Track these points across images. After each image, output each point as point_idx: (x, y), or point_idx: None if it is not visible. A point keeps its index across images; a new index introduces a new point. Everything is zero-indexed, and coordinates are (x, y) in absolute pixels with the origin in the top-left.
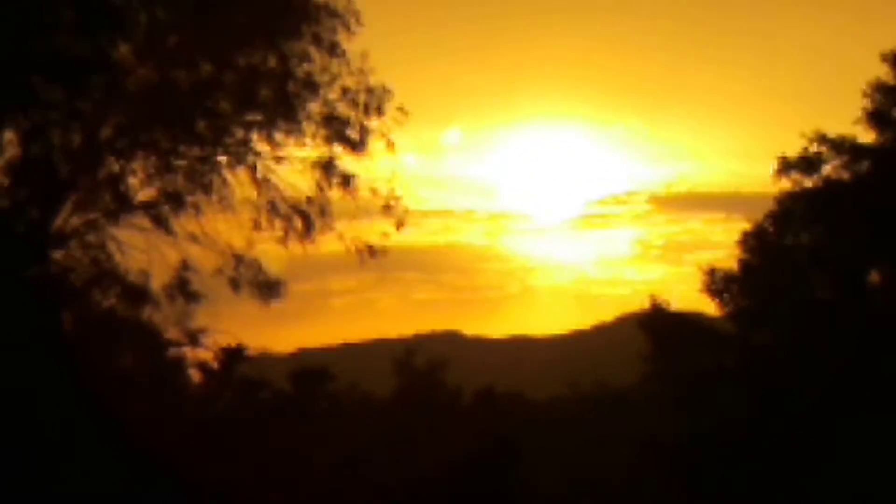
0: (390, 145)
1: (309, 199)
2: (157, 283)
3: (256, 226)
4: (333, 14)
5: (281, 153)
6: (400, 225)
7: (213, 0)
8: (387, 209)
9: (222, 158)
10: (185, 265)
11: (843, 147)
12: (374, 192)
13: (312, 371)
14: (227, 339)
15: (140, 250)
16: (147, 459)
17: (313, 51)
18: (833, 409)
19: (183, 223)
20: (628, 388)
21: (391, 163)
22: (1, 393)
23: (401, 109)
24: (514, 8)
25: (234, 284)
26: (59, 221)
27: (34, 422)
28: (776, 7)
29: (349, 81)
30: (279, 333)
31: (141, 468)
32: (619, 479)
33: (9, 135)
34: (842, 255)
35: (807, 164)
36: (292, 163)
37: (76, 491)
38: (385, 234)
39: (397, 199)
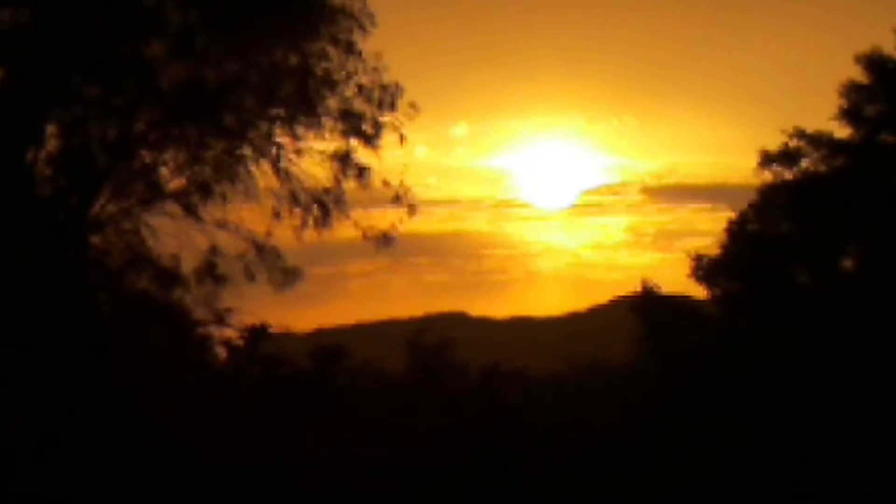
0: (402, 139)
1: (326, 190)
2: (186, 267)
3: (277, 214)
4: (350, 16)
5: (301, 146)
6: (410, 213)
7: (239, 3)
8: (398, 199)
9: (247, 151)
10: (212, 250)
11: (821, 142)
12: (386, 183)
13: (330, 349)
14: (251, 319)
15: (171, 236)
16: (175, 431)
17: (331, 50)
18: (806, 383)
19: (210, 211)
20: (619, 365)
21: (403, 155)
22: (42, 367)
23: (412, 105)
24: (517, 9)
25: (252, 272)
26: (96, 209)
27: (72, 394)
28: (762, 9)
29: (364, 79)
30: (299, 314)
31: (170, 440)
32: (605, 444)
33: (51, 128)
34: (818, 244)
35: (787, 157)
36: (311, 155)
37: (109, 462)
38: (397, 222)
39: (407, 189)
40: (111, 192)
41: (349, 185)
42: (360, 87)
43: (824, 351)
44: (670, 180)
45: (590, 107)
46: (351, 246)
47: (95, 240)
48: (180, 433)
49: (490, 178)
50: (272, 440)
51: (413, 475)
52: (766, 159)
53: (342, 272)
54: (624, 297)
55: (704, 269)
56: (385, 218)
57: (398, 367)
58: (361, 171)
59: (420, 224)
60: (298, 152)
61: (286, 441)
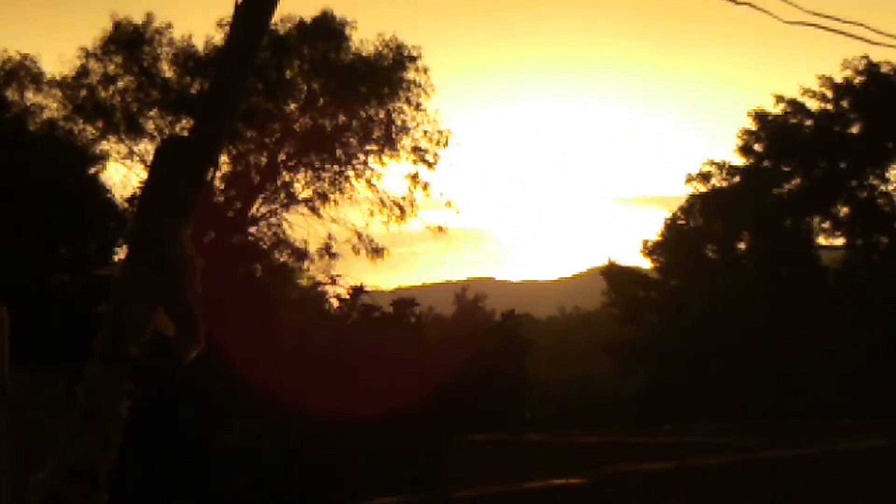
0: (452, 165)
1: (403, 198)
2: (312, 247)
3: (371, 213)
4: (418, 86)
5: (386, 170)
6: (457, 213)
7: (347, 77)
8: (448, 204)
9: (350, 172)
10: (329, 237)
11: (724, 167)
12: (441, 194)
13: (405, 300)
14: (353, 281)
15: (302, 227)
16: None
17: (406, 107)
18: (718, 326)
19: (328, 211)
20: (594, 312)
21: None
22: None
23: (458, 144)
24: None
25: (355, 250)
26: (253, 210)
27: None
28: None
29: (427, 126)
30: (385, 277)
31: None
32: (583, 371)
33: (223, 157)
34: (721, 232)
35: (702, 177)
36: (393, 175)
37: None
38: (448, 220)
39: (453, 200)
40: (262, 199)
41: (418, 194)
42: (425, 132)
43: (726, 302)
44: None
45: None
46: (418, 234)
47: (253, 230)
48: (303, 358)
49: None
50: (366, 361)
51: (451, 384)
52: (689, 178)
53: (413, 251)
54: (597, 268)
55: (649, 249)
56: (441, 217)
57: (448, 312)
58: (425, 186)
59: (463, 220)
60: (384, 173)
61: (376, 360)
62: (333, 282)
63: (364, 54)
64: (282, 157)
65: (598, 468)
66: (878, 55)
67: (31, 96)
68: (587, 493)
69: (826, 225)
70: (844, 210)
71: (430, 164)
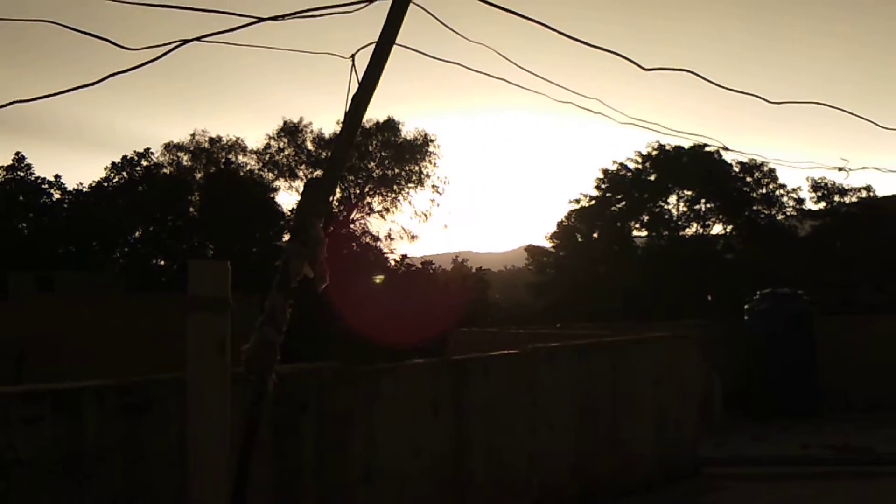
0: (450, 186)
1: (427, 211)
2: (381, 235)
3: (410, 218)
4: (433, 153)
5: (418, 195)
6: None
7: (399, 148)
8: (450, 215)
9: (400, 197)
10: (389, 230)
11: (587, 196)
12: (450, 213)
13: (427, 262)
14: (401, 252)
15: (376, 225)
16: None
17: (428, 164)
18: (586, 274)
19: (389, 217)
20: (522, 268)
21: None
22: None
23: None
24: None
25: (402, 237)
26: (351, 215)
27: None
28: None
29: (440, 175)
30: (418, 249)
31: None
32: (517, 298)
33: (337, 189)
34: (585, 228)
35: (576, 201)
36: (420, 199)
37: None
38: (447, 221)
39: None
40: (356, 210)
41: (434, 211)
42: (439, 178)
43: (589, 263)
44: None
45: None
46: (435, 226)
47: (351, 226)
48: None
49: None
50: (409, 293)
51: (452, 305)
52: (570, 201)
53: (431, 235)
54: (525, 245)
55: (549, 236)
56: (447, 220)
57: (449, 268)
58: (438, 204)
59: (454, 218)
60: (417, 198)
61: (414, 293)
62: (392, 252)
63: (408, 137)
64: (366, 188)
65: (524, 346)
66: (664, 140)
67: (240, 158)
68: (520, 358)
69: (637, 225)
70: (646, 218)
71: (440, 194)
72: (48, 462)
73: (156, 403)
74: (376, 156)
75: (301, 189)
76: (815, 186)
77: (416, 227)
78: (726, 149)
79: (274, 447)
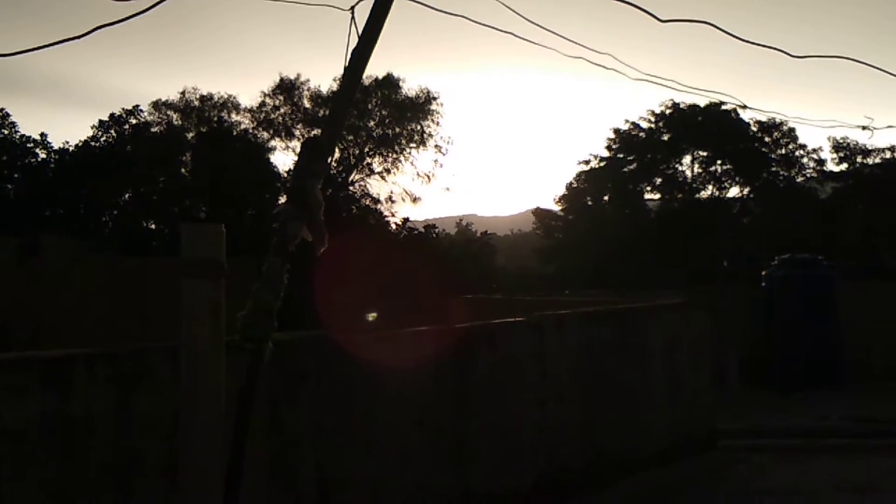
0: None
1: (429, 172)
2: (382, 197)
3: (412, 179)
4: (436, 112)
5: (420, 155)
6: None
7: (400, 106)
8: (454, 176)
9: (401, 158)
10: (390, 192)
11: (597, 157)
12: (454, 175)
13: (430, 225)
14: (403, 215)
15: (376, 187)
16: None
17: (431, 123)
18: (597, 239)
19: (390, 178)
20: (529, 232)
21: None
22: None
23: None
24: None
25: (404, 199)
26: (350, 177)
27: None
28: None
29: (442, 135)
30: (420, 212)
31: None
32: (524, 263)
33: (336, 149)
34: (595, 191)
35: (585, 162)
36: (424, 158)
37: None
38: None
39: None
40: (356, 172)
41: (438, 171)
42: (442, 138)
43: (599, 226)
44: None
45: None
46: (437, 188)
47: (351, 188)
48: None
49: None
50: (411, 258)
51: (456, 269)
52: (579, 162)
53: (435, 197)
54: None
55: (557, 199)
56: (451, 180)
57: (453, 232)
58: (442, 165)
59: (459, 180)
60: (419, 158)
61: (416, 257)
62: (393, 215)
63: (409, 95)
64: (366, 149)
65: (531, 313)
66: (678, 98)
67: (234, 116)
68: (527, 326)
69: (650, 187)
70: (659, 180)
71: (443, 154)
72: (36, 433)
73: (148, 372)
74: (376, 114)
75: (298, 149)
76: (837, 147)
77: (418, 189)
78: (744, 107)
79: (271, 418)
